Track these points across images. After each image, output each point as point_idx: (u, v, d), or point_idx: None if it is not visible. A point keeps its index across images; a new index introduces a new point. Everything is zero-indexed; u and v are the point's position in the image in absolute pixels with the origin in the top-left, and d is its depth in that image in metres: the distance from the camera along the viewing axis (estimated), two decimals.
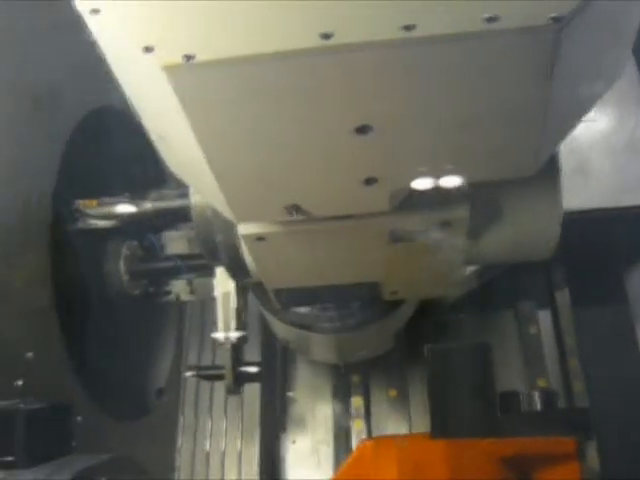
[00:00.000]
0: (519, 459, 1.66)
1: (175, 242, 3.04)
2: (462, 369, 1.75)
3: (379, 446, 1.76)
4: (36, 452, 1.78)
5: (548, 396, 1.77)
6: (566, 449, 1.66)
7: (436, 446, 1.64)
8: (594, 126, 2.88)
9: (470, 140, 1.48)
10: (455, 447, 1.63)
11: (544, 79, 1.31)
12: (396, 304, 2.63)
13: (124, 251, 3.07)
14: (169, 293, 3.41)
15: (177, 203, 2.63)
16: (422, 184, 1.59)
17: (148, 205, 2.73)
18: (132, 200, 2.77)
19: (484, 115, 1.41)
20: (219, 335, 2.67)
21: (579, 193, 2.85)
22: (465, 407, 1.71)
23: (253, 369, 2.80)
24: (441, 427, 1.69)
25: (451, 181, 1.62)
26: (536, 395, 1.76)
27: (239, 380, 2.79)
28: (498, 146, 1.52)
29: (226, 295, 2.65)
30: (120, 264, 3.03)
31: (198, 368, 3.18)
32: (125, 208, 2.77)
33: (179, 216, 2.67)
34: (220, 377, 2.79)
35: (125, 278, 3.07)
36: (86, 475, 1.70)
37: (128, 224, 2.85)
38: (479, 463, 1.63)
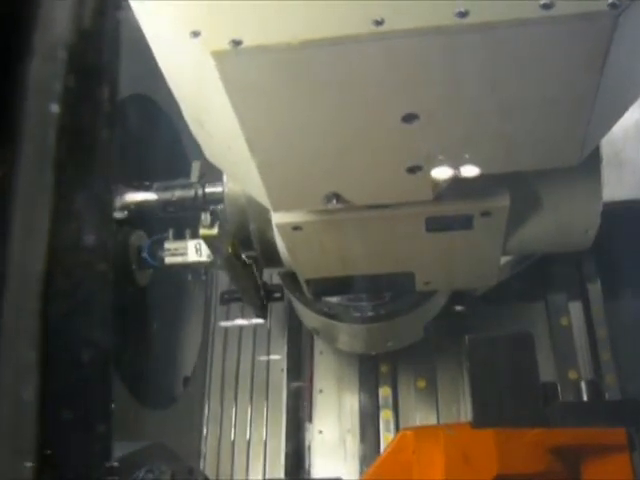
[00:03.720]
0: (567, 450, 1.64)
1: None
2: (504, 358, 1.74)
3: (420, 436, 1.75)
4: None
5: (595, 386, 1.75)
6: (616, 440, 1.64)
7: (484, 436, 1.63)
8: (628, 115, 2.81)
9: (517, 129, 1.47)
10: (503, 437, 1.61)
11: (596, 67, 1.29)
12: (428, 295, 2.62)
13: (134, 241, 3.03)
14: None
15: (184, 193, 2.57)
16: (467, 172, 1.58)
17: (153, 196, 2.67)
18: (137, 190, 2.73)
19: (532, 103, 1.39)
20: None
21: (612, 184, 2.81)
22: (508, 397, 1.69)
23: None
24: (483, 417, 1.67)
25: (495, 170, 1.61)
26: (583, 385, 1.74)
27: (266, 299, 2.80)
28: (545, 135, 1.50)
29: None
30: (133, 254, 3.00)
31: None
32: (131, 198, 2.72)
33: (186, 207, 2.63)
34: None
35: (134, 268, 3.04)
36: (125, 462, 1.71)
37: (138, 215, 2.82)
38: (527, 453, 1.61)
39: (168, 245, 2.87)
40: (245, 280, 2.84)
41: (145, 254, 2.97)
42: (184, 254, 2.85)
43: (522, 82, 1.33)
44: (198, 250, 2.82)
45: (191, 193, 2.46)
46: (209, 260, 2.78)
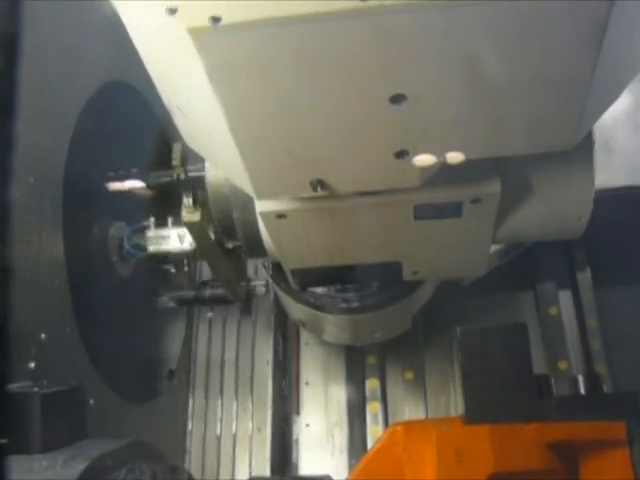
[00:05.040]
0: (565, 445, 1.59)
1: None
2: (497, 351, 1.69)
3: (411, 431, 1.69)
4: (51, 437, 1.72)
5: (593, 380, 1.70)
6: (616, 434, 1.60)
7: (479, 432, 1.57)
8: (618, 101, 2.76)
9: (510, 111, 1.41)
10: (499, 433, 1.56)
11: (593, 46, 1.23)
12: (416, 285, 2.56)
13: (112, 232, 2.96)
14: None
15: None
16: (456, 157, 1.52)
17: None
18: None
19: (526, 84, 1.33)
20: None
21: (602, 171, 2.76)
22: (502, 390, 1.64)
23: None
24: (476, 412, 1.62)
25: (486, 154, 1.55)
26: (580, 378, 1.69)
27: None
28: (539, 117, 1.44)
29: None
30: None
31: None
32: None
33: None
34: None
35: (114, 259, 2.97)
36: (103, 461, 1.64)
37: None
38: (524, 450, 1.56)
39: (150, 234, 2.82)
40: (227, 269, 2.77)
41: (126, 245, 2.91)
42: (166, 242, 2.81)
43: (516, 61, 1.27)
44: (181, 238, 2.78)
45: (172, 176, 2.37)
46: (192, 248, 2.74)
